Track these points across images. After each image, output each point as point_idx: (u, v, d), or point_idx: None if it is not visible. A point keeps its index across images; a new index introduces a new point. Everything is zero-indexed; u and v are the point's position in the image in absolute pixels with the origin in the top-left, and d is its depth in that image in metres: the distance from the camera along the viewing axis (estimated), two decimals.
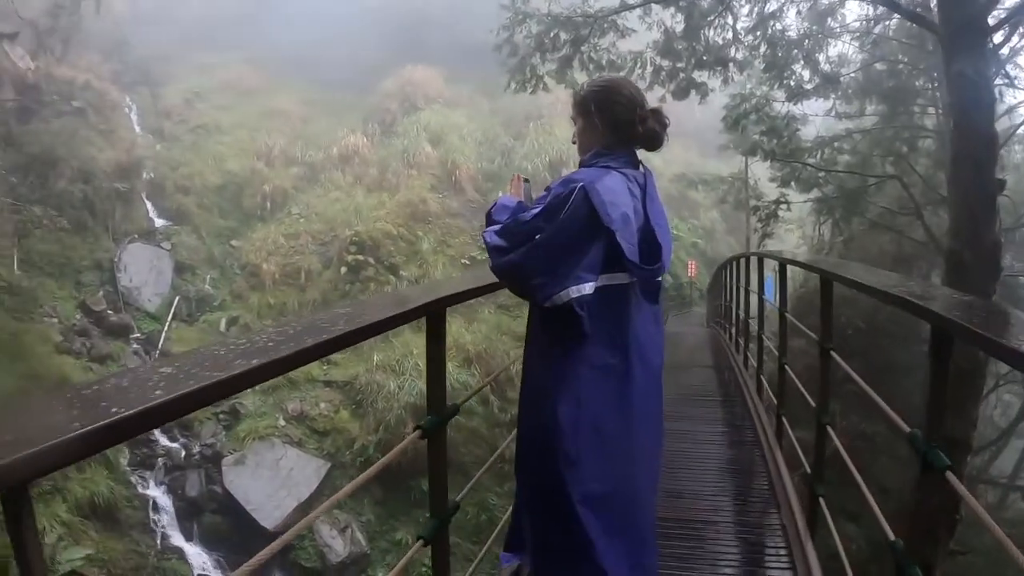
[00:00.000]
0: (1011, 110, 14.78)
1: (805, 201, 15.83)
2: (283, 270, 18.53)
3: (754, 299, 7.57)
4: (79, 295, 15.77)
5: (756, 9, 13.43)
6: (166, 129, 22.35)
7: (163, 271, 17.71)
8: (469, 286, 2.57)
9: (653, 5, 12.72)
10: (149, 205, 19.26)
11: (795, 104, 14.45)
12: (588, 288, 2.12)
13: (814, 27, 14.40)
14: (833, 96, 15.71)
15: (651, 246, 2.24)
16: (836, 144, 15.26)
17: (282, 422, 14.45)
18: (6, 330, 13.31)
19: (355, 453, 14.00)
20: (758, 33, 13.47)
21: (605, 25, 12.73)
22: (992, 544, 9.14)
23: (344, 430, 14.51)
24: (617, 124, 2.30)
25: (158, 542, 12.37)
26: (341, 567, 12.60)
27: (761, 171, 17.94)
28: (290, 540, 1.47)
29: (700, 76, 13.50)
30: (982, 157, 7.97)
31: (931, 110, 15.20)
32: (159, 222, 19.04)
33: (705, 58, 13.10)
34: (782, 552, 3.54)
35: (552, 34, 12.69)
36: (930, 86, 14.95)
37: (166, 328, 16.48)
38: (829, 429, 3.20)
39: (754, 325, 6.99)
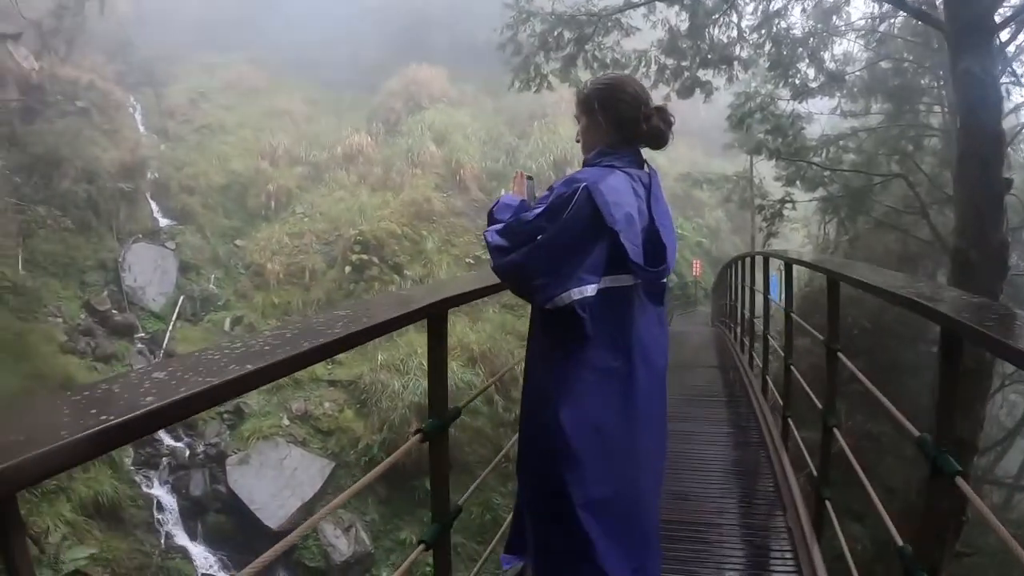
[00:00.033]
0: (1018, 108, 14.75)
1: (810, 200, 15.79)
2: (287, 269, 18.54)
3: (759, 298, 7.54)
4: (83, 295, 15.79)
5: (761, 7, 13.40)
6: (170, 129, 22.37)
7: (167, 271, 17.72)
8: (471, 287, 2.53)
9: (657, 3, 12.70)
10: (153, 205, 19.29)
11: (800, 102, 14.41)
12: (590, 290, 2.09)
13: (819, 25, 14.37)
14: (838, 94, 15.69)
15: (655, 247, 2.20)
16: (841, 143, 15.23)
17: (286, 421, 14.46)
18: (11, 330, 13.33)
19: (359, 453, 13.99)
20: (763, 31, 13.44)
21: (609, 23, 12.70)
22: (997, 544, 9.10)
23: (348, 429, 14.51)
24: (621, 122, 2.27)
25: (162, 541, 12.38)
26: (345, 566, 12.58)
27: (766, 170, 17.90)
28: (295, 541, 1.46)
29: (705, 75, 13.46)
30: (989, 156, 7.92)
31: (937, 108, 15.15)
32: (163, 222, 19.06)
33: (710, 56, 13.06)
34: (788, 555, 3.50)
35: (556, 33, 12.67)
36: (935, 84, 14.90)
37: (170, 328, 16.49)
38: (836, 432, 3.16)
39: (759, 325, 6.95)
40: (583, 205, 2.06)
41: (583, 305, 2.09)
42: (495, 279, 2.33)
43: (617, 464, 2.17)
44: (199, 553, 12.60)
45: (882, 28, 15.12)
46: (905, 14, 12.61)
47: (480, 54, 19.27)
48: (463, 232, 19.81)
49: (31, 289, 14.76)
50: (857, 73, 15.51)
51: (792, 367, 4.52)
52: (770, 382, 6.16)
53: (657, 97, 2.33)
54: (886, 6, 13.56)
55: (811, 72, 14.38)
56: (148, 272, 17.29)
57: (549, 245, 2.08)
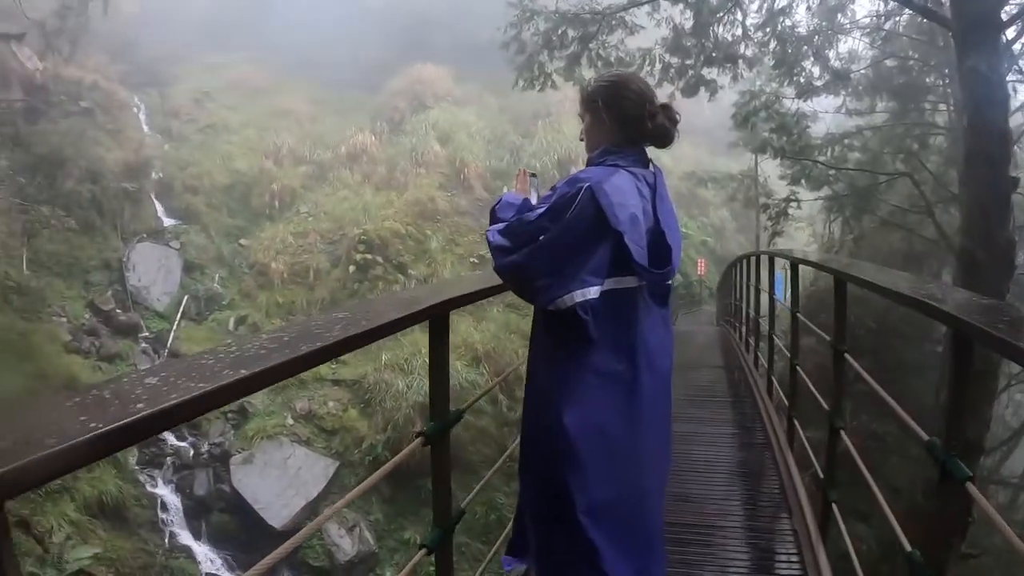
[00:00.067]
0: None
1: (815, 199, 15.74)
2: (292, 269, 18.53)
3: (764, 298, 7.50)
4: (87, 295, 15.81)
5: (766, 5, 13.37)
6: (174, 129, 22.36)
7: (172, 270, 17.73)
8: (473, 288, 2.50)
9: (662, 1, 12.67)
10: (157, 204, 19.28)
11: (805, 101, 14.37)
12: (593, 292, 2.06)
13: (824, 23, 14.32)
14: (843, 93, 15.64)
15: (660, 248, 2.16)
16: (846, 141, 15.15)
17: (290, 421, 14.45)
18: (15, 330, 13.34)
19: (363, 452, 13.98)
20: (768, 29, 13.41)
21: (613, 22, 12.68)
22: (1003, 544, 9.04)
23: (352, 429, 14.49)
24: (626, 120, 2.23)
25: (166, 541, 12.39)
26: (349, 566, 12.58)
27: (771, 169, 17.84)
28: (301, 542, 1.44)
29: (709, 73, 13.43)
30: (996, 154, 7.88)
31: (942, 107, 15.09)
32: (168, 221, 19.05)
33: (714, 55, 13.03)
34: (793, 559, 3.46)
35: (560, 31, 12.65)
36: (941, 82, 14.85)
37: (175, 327, 16.49)
38: (843, 433, 3.12)
39: (764, 324, 6.92)
40: (586, 205, 2.03)
41: (585, 307, 2.05)
42: (498, 280, 2.29)
43: (620, 467, 2.14)
44: (203, 553, 12.60)
45: (887, 26, 15.05)
46: (910, 12, 12.55)
47: (484, 53, 19.22)
48: (467, 231, 19.80)
49: (35, 289, 14.78)
50: (862, 71, 15.46)
51: (798, 367, 4.47)
52: (775, 382, 6.12)
53: (661, 96, 2.29)
54: (891, 4, 13.49)
55: (816, 70, 14.34)
56: (152, 272, 17.29)
57: (551, 246, 2.05)
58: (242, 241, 19.51)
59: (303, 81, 25.87)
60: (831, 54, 14.65)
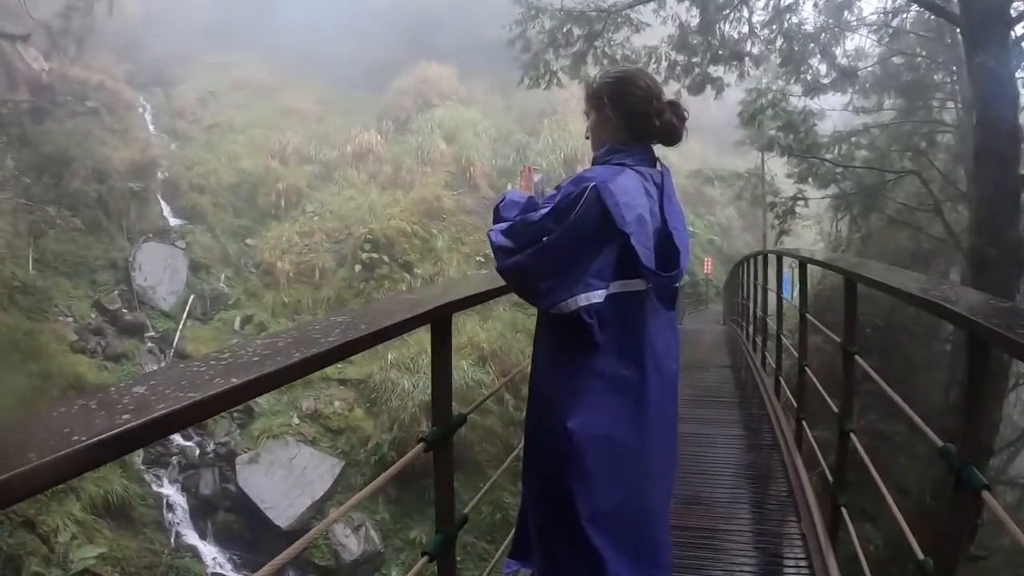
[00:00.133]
0: None
1: (822, 197, 15.68)
2: (297, 268, 18.51)
3: (772, 297, 7.44)
4: (93, 294, 15.83)
5: (772, 2, 13.30)
6: (180, 128, 22.39)
7: (178, 270, 17.73)
8: (476, 290, 2.45)
9: None
10: (163, 204, 19.29)
11: (812, 99, 14.31)
12: (598, 295, 2.01)
13: (831, 20, 14.26)
14: (850, 90, 15.56)
15: (668, 250, 2.10)
16: (853, 139, 15.11)
17: (296, 420, 14.44)
18: (21, 329, 13.36)
19: (369, 451, 13.96)
20: (774, 27, 13.35)
21: (619, 20, 12.65)
22: (1011, 546, 8.98)
23: (358, 428, 14.48)
24: (632, 117, 2.17)
25: (172, 540, 12.39)
26: (355, 566, 12.56)
27: (778, 167, 17.80)
28: (308, 544, 1.43)
29: (716, 71, 13.39)
30: (1005, 151, 7.82)
31: (950, 104, 15.00)
32: (174, 221, 19.05)
33: (721, 52, 12.98)
34: (802, 564, 3.40)
35: (565, 29, 12.62)
36: (949, 80, 14.75)
37: (181, 327, 16.50)
38: (853, 436, 3.06)
39: (772, 324, 6.86)
40: (592, 206, 1.97)
41: (590, 311, 2.01)
42: (501, 281, 2.24)
43: (626, 473, 2.09)
44: (208, 552, 12.61)
45: (895, 23, 14.96)
46: (918, 8, 12.49)
47: (489, 52, 19.20)
48: (473, 230, 19.75)
49: (41, 289, 14.80)
50: (869, 69, 15.38)
51: (807, 368, 4.41)
52: (783, 383, 6.05)
53: (668, 93, 2.24)
54: (899, 0, 13.41)
55: (823, 68, 14.29)
56: (158, 271, 17.31)
57: (555, 247, 2.00)
58: (248, 241, 19.51)
59: (309, 80, 25.89)
60: (838, 51, 14.60)
